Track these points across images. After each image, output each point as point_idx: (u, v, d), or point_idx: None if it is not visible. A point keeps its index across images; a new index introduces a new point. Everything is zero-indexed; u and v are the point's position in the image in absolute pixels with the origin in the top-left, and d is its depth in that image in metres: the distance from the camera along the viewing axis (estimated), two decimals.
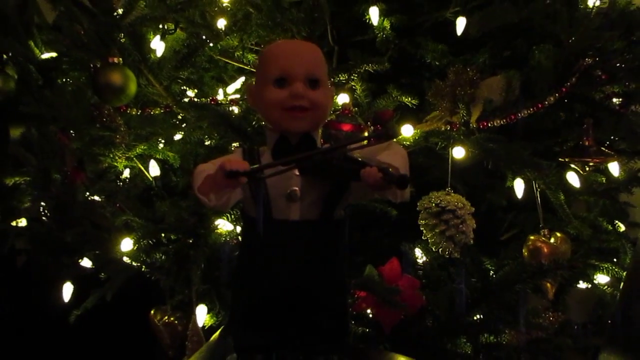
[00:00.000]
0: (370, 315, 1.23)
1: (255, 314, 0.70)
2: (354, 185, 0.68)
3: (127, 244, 1.27)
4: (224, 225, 1.26)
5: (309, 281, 0.68)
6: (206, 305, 1.34)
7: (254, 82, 0.73)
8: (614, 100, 1.45)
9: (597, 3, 1.42)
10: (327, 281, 0.69)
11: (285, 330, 0.69)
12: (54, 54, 1.66)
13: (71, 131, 1.44)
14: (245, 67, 1.57)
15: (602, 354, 0.92)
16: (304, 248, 0.68)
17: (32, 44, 1.68)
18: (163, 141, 1.50)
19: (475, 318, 1.22)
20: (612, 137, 1.46)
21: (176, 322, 1.49)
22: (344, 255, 0.71)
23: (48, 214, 1.50)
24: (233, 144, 1.32)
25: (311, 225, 0.68)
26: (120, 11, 1.46)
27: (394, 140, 0.66)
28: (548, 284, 1.35)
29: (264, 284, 0.69)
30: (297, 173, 0.67)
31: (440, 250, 1.26)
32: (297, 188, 0.68)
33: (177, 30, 1.58)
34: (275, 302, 0.69)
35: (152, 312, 1.51)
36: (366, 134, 1.20)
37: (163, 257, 1.31)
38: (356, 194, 0.69)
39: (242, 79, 1.57)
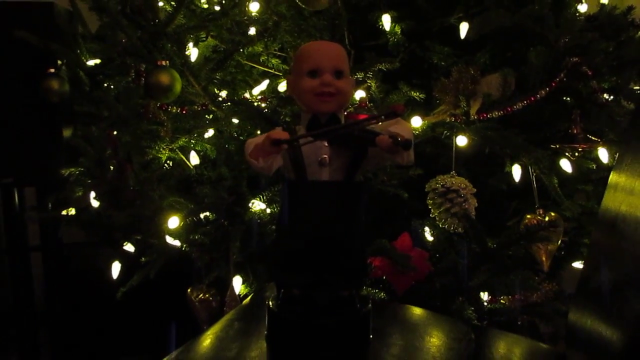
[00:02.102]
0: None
1: (293, 258, 0.85)
2: (370, 152, 0.82)
3: (173, 222, 1.39)
4: (257, 205, 1.40)
5: (336, 230, 0.83)
6: (241, 276, 1.47)
7: (291, 75, 0.89)
8: (605, 95, 1.53)
9: (585, 8, 1.57)
10: (351, 231, 0.84)
11: (317, 271, 0.84)
12: (97, 61, 1.84)
13: (121, 127, 1.57)
14: (270, 71, 1.67)
15: (571, 309, 1.04)
16: (332, 203, 0.83)
17: (78, 51, 1.87)
18: (197, 135, 1.60)
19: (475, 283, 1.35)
20: (597, 127, 1.53)
21: (211, 298, 1.57)
22: (364, 211, 0.87)
23: (99, 202, 1.67)
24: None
25: (338, 185, 0.84)
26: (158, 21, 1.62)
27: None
28: (543, 257, 1.47)
29: (300, 233, 0.84)
30: (327, 144, 0.83)
31: (446, 225, 1.40)
32: (326, 156, 0.83)
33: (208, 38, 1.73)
34: (309, 248, 0.83)
35: (189, 290, 1.59)
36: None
37: (202, 237, 1.42)
38: (373, 160, 0.84)
39: (267, 81, 1.66)
